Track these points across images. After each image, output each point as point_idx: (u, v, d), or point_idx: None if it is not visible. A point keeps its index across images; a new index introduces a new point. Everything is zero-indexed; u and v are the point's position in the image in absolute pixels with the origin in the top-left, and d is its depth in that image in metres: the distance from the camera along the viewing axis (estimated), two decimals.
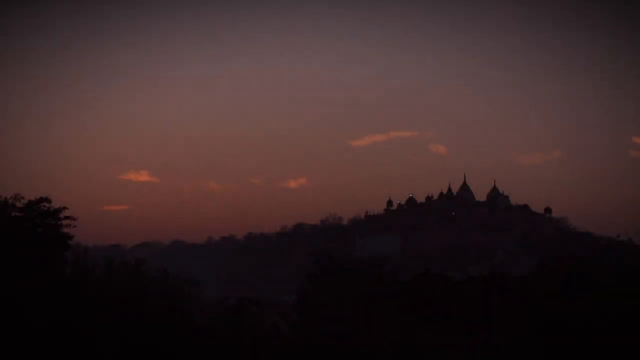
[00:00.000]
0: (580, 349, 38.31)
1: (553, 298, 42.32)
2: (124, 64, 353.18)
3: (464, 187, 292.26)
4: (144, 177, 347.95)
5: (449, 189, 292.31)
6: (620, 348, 37.33)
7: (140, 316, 44.62)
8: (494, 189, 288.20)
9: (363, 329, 79.84)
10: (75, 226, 46.46)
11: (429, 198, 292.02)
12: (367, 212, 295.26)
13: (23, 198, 45.75)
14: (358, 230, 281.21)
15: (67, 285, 43.09)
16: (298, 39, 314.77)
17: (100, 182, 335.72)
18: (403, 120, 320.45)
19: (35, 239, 45.64)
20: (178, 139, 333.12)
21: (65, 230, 46.31)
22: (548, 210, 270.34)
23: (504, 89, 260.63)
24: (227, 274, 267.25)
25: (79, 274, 44.88)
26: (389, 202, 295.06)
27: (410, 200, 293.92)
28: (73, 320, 39.98)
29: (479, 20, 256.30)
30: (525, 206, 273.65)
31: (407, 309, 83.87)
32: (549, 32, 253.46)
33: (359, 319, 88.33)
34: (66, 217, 46.28)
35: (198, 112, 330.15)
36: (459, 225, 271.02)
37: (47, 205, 46.18)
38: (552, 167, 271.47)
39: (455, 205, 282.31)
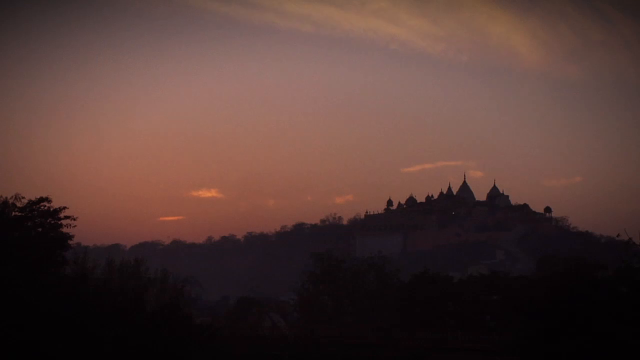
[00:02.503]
0: (580, 349, 38.28)
1: (553, 298, 42.29)
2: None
3: (464, 187, 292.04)
4: (212, 193, 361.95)
5: (449, 189, 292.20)
6: (620, 349, 37.31)
7: (140, 316, 44.62)
8: (494, 188, 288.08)
9: (363, 328, 79.87)
10: (75, 226, 46.53)
11: (429, 198, 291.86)
12: (367, 212, 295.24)
13: (23, 198, 45.80)
14: (358, 230, 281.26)
15: (67, 285, 43.08)
16: (362, 75, 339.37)
17: (175, 197, 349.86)
18: (451, 152, 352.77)
19: (35, 238, 45.65)
20: (246, 160, 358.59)
21: (65, 230, 46.34)
22: (548, 210, 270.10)
23: (536, 124, 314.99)
24: (227, 274, 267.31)
25: (79, 274, 44.87)
26: (389, 202, 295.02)
27: (410, 200, 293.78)
28: (73, 320, 39.97)
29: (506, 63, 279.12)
30: (525, 206, 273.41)
31: (407, 309, 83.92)
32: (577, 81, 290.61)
33: (359, 318, 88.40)
34: (66, 217, 46.30)
35: (265, 133, 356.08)
36: (459, 225, 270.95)
37: (47, 205, 46.20)
38: (572, 190, 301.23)
39: (455, 205, 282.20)
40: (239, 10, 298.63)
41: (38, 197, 46.25)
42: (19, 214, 45.87)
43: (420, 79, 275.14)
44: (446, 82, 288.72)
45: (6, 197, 45.55)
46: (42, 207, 46.11)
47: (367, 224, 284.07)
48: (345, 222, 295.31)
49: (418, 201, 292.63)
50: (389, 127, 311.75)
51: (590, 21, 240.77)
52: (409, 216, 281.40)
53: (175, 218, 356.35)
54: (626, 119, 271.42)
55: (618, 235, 41.90)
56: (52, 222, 46.17)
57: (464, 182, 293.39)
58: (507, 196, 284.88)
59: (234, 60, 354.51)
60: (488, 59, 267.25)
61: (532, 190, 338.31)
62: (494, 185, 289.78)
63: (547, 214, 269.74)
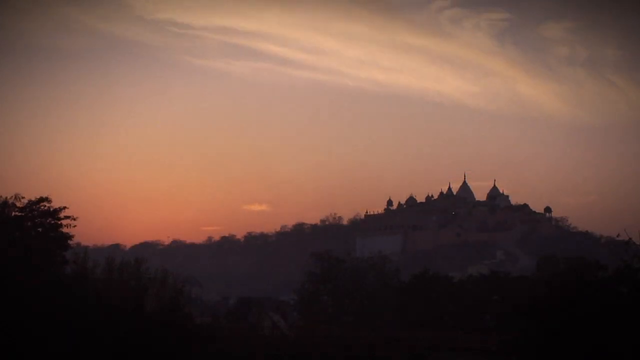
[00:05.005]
0: (580, 350, 38.29)
1: (553, 298, 42.29)
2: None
3: (464, 187, 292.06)
4: (262, 207, 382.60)
5: (449, 189, 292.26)
6: (620, 349, 37.32)
7: (140, 316, 44.61)
8: (494, 189, 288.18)
9: (363, 328, 79.82)
10: (75, 226, 46.57)
11: (429, 198, 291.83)
12: (367, 212, 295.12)
13: (23, 198, 45.82)
14: (358, 230, 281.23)
15: (67, 285, 43.08)
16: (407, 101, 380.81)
17: (226, 210, 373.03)
18: (482, 173, 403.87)
19: (35, 238, 45.67)
20: (299, 178, 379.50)
21: (65, 230, 46.36)
22: (548, 210, 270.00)
23: (554, 153, 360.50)
24: (227, 274, 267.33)
25: (79, 274, 44.86)
26: (389, 202, 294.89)
27: (410, 200, 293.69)
28: (72, 320, 39.97)
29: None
30: (525, 206, 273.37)
31: (407, 309, 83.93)
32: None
33: (359, 318, 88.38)
34: (66, 217, 46.32)
35: (317, 150, 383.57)
36: (459, 225, 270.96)
37: (47, 205, 46.22)
38: (587, 208, 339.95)
39: (455, 205, 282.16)
40: (323, 76, 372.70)
41: (38, 197, 46.31)
42: (19, 214, 45.89)
43: (458, 122, 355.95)
44: (478, 124, 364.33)
45: (6, 197, 45.60)
46: (42, 207, 46.15)
47: (367, 224, 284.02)
48: (345, 222, 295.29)
49: (418, 201, 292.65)
50: (432, 155, 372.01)
51: (600, 82, 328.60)
52: (409, 216, 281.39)
53: (213, 228, 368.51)
54: (627, 151, 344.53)
55: (618, 235, 41.85)
56: (52, 222, 46.22)
57: (464, 182, 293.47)
58: (507, 196, 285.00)
59: (303, 117, 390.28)
60: (513, 108, 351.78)
61: (532, 191, 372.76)
62: (494, 185, 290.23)
63: (547, 214, 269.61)
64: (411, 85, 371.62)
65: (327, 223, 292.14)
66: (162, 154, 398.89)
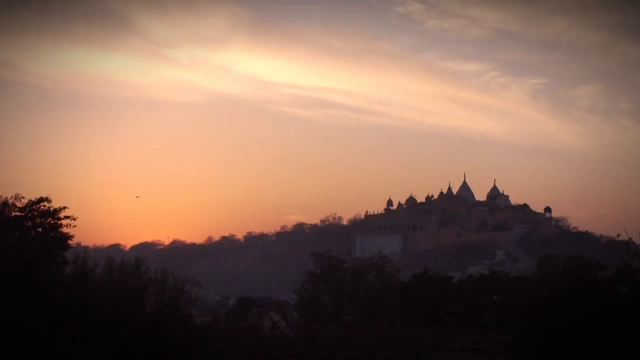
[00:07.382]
0: (580, 350, 38.28)
1: (553, 298, 42.29)
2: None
3: (464, 187, 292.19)
4: (300, 218, 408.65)
5: (449, 189, 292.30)
6: (620, 349, 37.31)
7: (140, 316, 44.61)
8: (494, 189, 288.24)
9: (363, 328, 79.78)
10: (75, 226, 46.49)
11: (429, 198, 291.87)
12: (367, 212, 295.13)
13: (23, 198, 45.76)
14: (358, 230, 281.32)
15: (67, 285, 43.06)
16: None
17: (264, 219, 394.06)
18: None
19: (35, 238, 45.63)
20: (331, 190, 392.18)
21: (65, 230, 46.30)
22: (548, 210, 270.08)
23: (566, 172, 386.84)
24: (227, 274, 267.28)
25: (79, 274, 44.85)
26: (389, 202, 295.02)
27: (410, 200, 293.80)
28: (72, 321, 39.96)
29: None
30: (525, 206, 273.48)
31: (407, 309, 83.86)
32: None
33: (359, 318, 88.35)
34: (66, 217, 46.25)
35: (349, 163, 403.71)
36: (459, 225, 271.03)
37: (47, 205, 46.17)
38: (598, 220, 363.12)
39: (455, 205, 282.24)
40: (374, 118, 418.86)
41: (38, 197, 46.26)
42: (19, 214, 45.83)
43: (483, 151, 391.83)
44: (501, 152, 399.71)
45: (6, 197, 45.55)
46: (42, 207, 46.05)
47: (367, 224, 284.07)
48: (345, 222, 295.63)
49: (418, 201, 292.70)
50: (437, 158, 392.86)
51: (613, 125, 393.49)
52: (409, 216, 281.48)
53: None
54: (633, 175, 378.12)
55: (618, 235, 41.88)
56: (52, 222, 46.14)
57: (464, 182, 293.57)
58: (507, 196, 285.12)
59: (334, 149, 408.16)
60: (530, 140, 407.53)
61: (532, 191, 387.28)
62: (494, 185, 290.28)
63: (547, 214, 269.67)
64: (448, 125, 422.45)
65: (327, 223, 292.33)
66: (177, 162, 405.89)
